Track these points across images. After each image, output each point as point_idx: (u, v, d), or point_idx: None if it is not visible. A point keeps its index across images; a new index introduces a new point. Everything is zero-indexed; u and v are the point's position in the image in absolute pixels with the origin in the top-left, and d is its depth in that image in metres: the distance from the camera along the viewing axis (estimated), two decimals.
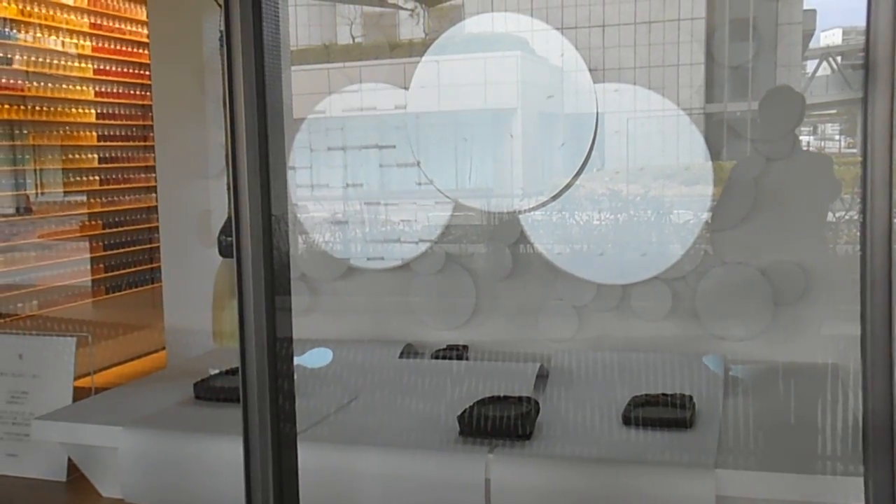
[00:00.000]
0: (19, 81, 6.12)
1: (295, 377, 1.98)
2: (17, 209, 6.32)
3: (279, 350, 1.91)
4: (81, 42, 6.57)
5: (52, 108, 6.37)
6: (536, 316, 4.44)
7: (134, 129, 7.06)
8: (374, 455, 3.29)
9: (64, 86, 6.44)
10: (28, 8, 6.11)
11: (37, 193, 6.45)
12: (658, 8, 4.91)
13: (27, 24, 6.13)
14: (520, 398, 3.60)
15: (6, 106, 6.03)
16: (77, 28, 6.53)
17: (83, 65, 6.59)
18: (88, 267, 6.62)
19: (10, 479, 3.98)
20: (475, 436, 3.33)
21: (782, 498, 2.88)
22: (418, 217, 4.83)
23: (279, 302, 1.89)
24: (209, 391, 3.95)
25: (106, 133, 6.82)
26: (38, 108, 6.25)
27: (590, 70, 4.66)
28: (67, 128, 6.53)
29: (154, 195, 5.90)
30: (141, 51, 6.93)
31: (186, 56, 5.03)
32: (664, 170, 4.65)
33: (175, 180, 5.20)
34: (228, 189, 1.89)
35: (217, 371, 4.13)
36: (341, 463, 3.28)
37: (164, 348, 5.49)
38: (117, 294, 6.81)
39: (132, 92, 7.01)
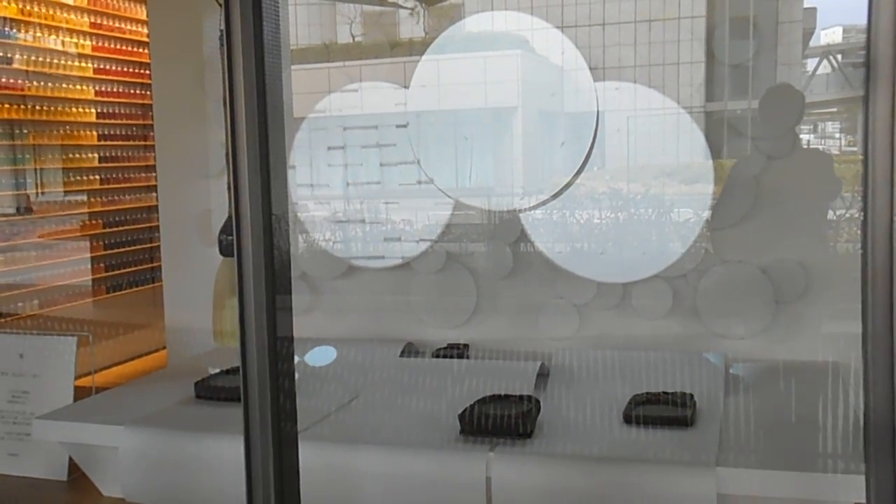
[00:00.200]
0: (19, 81, 6.12)
1: (297, 376, 1.98)
2: (18, 209, 6.32)
3: (280, 349, 1.91)
4: (81, 41, 6.57)
5: (52, 108, 6.37)
6: (537, 314, 4.44)
7: (134, 129, 7.06)
8: (375, 454, 3.29)
9: (64, 85, 6.44)
10: (28, 7, 6.11)
11: (37, 193, 6.45)
12: (658, 6, 4.91)
13: (27, 23, 6.13)
14: (520, 397, 3.60)
15: (6, 105, 6.03)
16: (77, 27, 6.53)
17: (83, 64, 6.59)
18: (89, 266, 6.62)
19: (11, 479, 3.98)
20: (476, 434, 3.32)
21: (784, 496, 2.88)
22: (418, 216, 4.83)
23: (280, 301, 1.89)
24: (210, 390, 3.94)
25: (106, 132, 6.82)
26: (38, 107, 6.25)
27: (590, 68, 4.65)
28: (67, 127, 6.53)
29: (154, 194, 5.90)
30: (141, 50, 6.93)
31: (187, 55, 5.02)
32: (664, 168, 4.65)
33: (175, 179, 5.20)
34: (229, 188, 1.89)
35: (216, 370, 4.13)
36: (342, 462, 3.28)
37: (164, 347, 5.49)
38: (118, 293, 6.81)
39: (132, 91, 7.01)
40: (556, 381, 4.06)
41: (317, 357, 4.46)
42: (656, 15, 4.94)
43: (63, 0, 6.39)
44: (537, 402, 3.52)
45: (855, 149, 5.42)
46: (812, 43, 5.26)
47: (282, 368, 1.91)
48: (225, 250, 4.48)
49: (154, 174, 5.60)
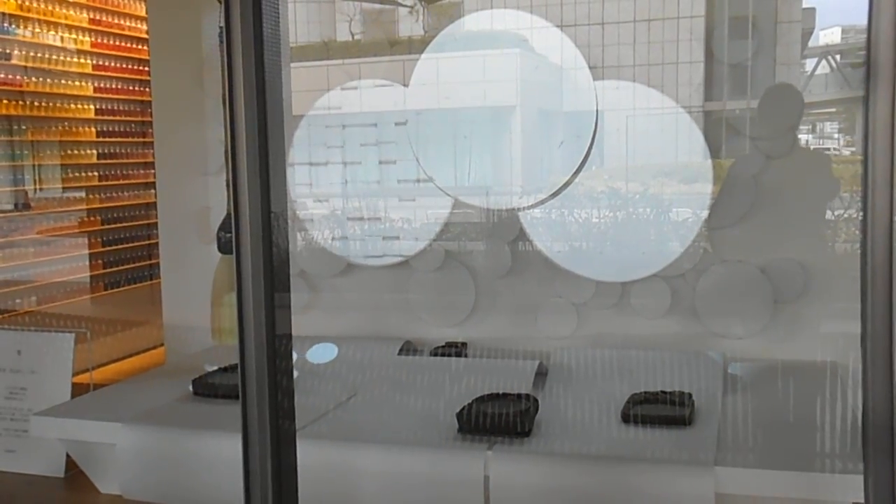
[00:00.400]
0: (18, 77, 6.11)
1: (295, 374, 1.98)
2: (16, 205, 6.31)
3: (278, 347, 1.91)
4: (80, 38, 6.56)
5: (50, 104, 6.36)
6: (535, 313, 4.44)
7: (133, 126, 7.05)
8: (373, 452, 3.29)
9: (63, 81, 6.43)
10: (27, 3, 6.10)
11: (35, 189, 6.44)
12: (658, 6, 4.90)
13: (26, 19, 6.12)
14: (519, 395, 3.60)
15: (5, 102, 6.02)
16: (76, 24, 6.52)
17: (82, 60, 6.58)
18: (87, 263, 6.62)
19: (9, 476, 3.97)
20: (474, 433, 3.32)
21: (782, 495, 2.88)
22: (417, 214, 4.83)
23: (278, 299, 1.89)
24: (208, 388, 3.94)
25: (105, 129, 6.81)
26: (36, 103, 6.24)
27: (589, 67, 4.65)
28: (66, 124, 6.52)
29: (153, 191, 5.90)
30: (140, 47, 6.92)
31: (186, 52, 5.02)
32: (663, 167, 4.65)
33: (174, 177, 5.20)
34: (228, 186, 1.89)
35: (214, 368, 4.13)
36: (340, 460, 3.28)
37: (162, 345, 5.48)
38: (116, 290, 6.80)
39: (131, 88, 7.00)
40: (555, 380, 4.06)
41: (319, 354, 4.46)
42: (656, 14, 4.94)
43: None
44: (535, 400, 3.52)
45: (854, 149, 5.42)
46: (811, 43, 5.26)
47: (280, 366, 1.91)
48: (223, 247, 4.47)
49: (153, 171, 5.59)
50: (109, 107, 6.83)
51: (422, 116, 4.83)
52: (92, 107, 6.70)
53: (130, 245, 6.96)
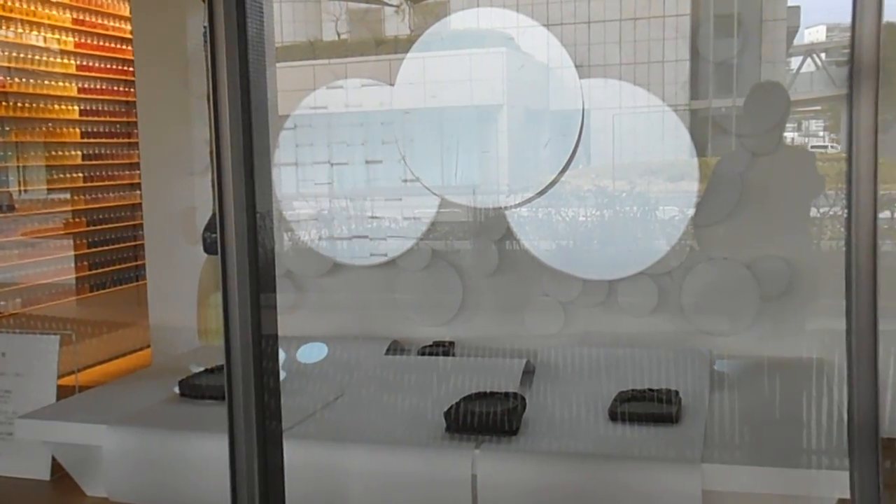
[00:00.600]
0: (0, 78, 6.07)
1: (283, 374, 1.98)
2: (0, 206, 6.27)
3: (264, 347, 1.90)
4: (64, 38, 6.52)
5: (34, 105, 6.32)
6: (523, 312, 4.45)
7: (118, 126, 7.01)
8: (361, 452, 3.29)
9: (46, 82, 6.39)
10: (9, 3, 6.06)
11: (20, 191, 6.40)
12: (643, 4, 4.91)
13: (8, 19, 6.08)
14: (506, 394, 3.60)
15: None
16: (59, 24, 6.48)
17: (66, 61, 6.54)
18: (72, 264, 6.58)
19: None
20: (462, 432, 3.32)
21: (768, 492, 2.89)
22: (404, 213, 4.82)
23: (264, 299, 1.89)
24: (194, 389, 3.93)
25: (89, 129, 6.77)
26: (20, 104, 6.20)
27: (576, 66, 4.66)
28: (50, 124, 6.48)
29: (138, 192, 5.87)
30: (124, 47, 6.88)
31: (170, 52, 5.00)
32: (650, 166, 4.66)
33: (159, 177, 5.18)
34: (213, 186, 1.88)
35: (201, 369, 4.11)
36: (327, 460, 3.27)
37: (148, 346, 5.46)
38: (102, 292, 6.77)
39: (116, 88, 6.96)
40: (542, 379, 4.07)
41: (309, 353, 4.45)
42: (641, 13, 4.95)
43: None
44: (523, 399, 3.53)
45: (838, 147, 5.45)
46: (796, 41, 5.28)
47: (266, 367, 1.90)
48: (209, 248, 4.46)
49: (138, 171, 5.57)
50: (94, 107, 6.79)
51: (408, 116, 4.82)
52: (76, 107, 6.66)
53: (116, 246, 6.92)
